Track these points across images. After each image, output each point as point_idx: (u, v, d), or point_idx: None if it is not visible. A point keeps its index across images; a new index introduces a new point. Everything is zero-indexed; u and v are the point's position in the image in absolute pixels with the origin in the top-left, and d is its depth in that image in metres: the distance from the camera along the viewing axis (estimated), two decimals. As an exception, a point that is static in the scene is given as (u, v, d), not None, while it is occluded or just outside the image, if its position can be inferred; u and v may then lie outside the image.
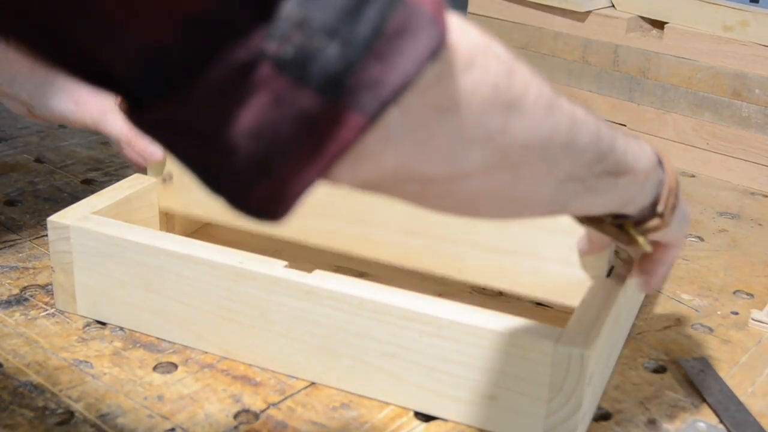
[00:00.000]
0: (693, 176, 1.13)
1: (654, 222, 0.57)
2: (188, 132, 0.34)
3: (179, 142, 0.35)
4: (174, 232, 0.82)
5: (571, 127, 0.45)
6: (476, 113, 0.39)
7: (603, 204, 0.52)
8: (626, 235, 0.59)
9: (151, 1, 0.30)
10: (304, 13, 0.32)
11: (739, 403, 0.67)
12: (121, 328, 0.74)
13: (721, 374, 0.71)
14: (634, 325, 0.78)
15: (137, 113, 0.34)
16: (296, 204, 0.36)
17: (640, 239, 0.59)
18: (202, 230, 0.89)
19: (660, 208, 0.57)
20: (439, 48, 0.35)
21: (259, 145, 0.33)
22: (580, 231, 0.68)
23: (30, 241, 0.88)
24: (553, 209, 0.48)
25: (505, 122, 0.41)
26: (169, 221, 0.85)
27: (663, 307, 0.82)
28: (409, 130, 0.37)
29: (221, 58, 0.32)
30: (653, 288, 0.65)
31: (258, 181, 0.34)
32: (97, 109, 0.79)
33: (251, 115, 0.33)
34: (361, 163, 0.37)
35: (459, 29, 0.38)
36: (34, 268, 0.83)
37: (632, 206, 0.55)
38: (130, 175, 0.84)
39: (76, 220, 0.74)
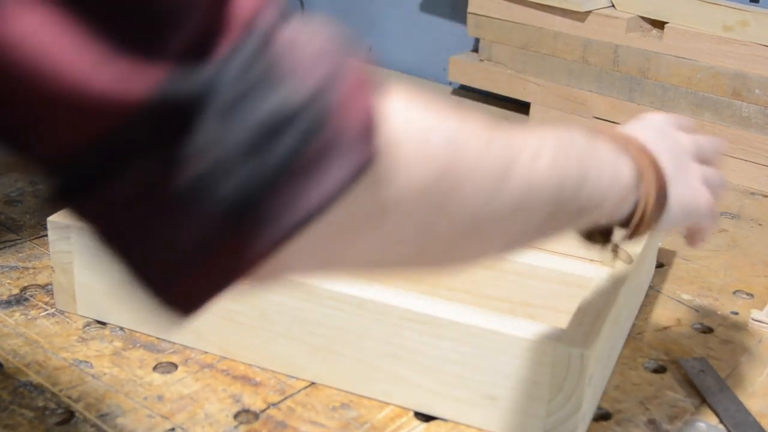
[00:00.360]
0: (693, 176, 1.13)
1: (625, 239, 0.54)
2: (96, 231, 0.34)
3: (91, 232, 0.34)
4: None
5: (524, 194, 0.42)
6: (406, 215, 0.37)
7: (566, 233, 0.50)
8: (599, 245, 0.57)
9: (59, 119, 0.29)
10: (217, 134, 0.31)
11: (739, 403, 0.67)
12: (121, 328, 0.74)
13: (721, 374, 0.71)
14: (634, 325, 0.78)
15: (56, 194, 0.33)
16: (202, 308, 0.35)
17: (612, 254, 0.57)
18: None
19: (628, 232, 0.53)
20: (360, 171, 0.33)
21: (162, 259, 0.33)
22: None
23: (30, 241, 0.88)
24: (507, 254, 0.47)
25: (437, 218, 0.39)
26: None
27: (663, 307, 0.82)
28: (325, 245, 0.36)
29: (125, 176, 0.31)
30: (697, 246, 0.65)
31: (160, 289, 0.34)
32: None
33: (152, 233, 0.32)
34: (274, 273, 0.35)
35: (398, 126, 0.36)
36: (34, 268, 0.83)
37: (604, 220, 0.52)
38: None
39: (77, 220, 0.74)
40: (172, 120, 0.30)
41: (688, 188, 0.56)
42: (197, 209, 0.31)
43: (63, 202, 0.33)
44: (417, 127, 0.37)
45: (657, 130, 0.57)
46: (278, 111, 0.31)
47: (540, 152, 0.43)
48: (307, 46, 0.33)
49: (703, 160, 0.60)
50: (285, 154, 0.31)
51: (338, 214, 0.34)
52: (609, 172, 0.49)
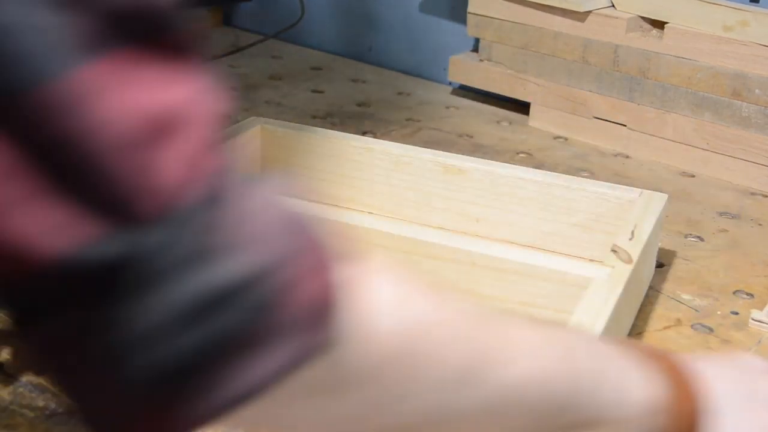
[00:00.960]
0: (693, 176, 1.13)
1: None
2: (42, 363, 0.32)
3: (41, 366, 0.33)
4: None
5: (498, 398, 0.39)
6: (362, 394, 0.35)
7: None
8: None
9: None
10: (148, 302, 0.29)
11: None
12: (121, 328, 0.74)
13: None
14: (634, 325, 0.78)
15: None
16: None
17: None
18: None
19: None
20: (306, 356, 0.31)
21: (94, 409, 0.32)
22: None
23: (30, 241, 0.88)
24: None
25: (397, 401, 0.36)
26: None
27: (663, 307, 0.82)
28: (272, 410, 0.33)
29: (59, 318, 0.30)
30: None
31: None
32: None
33: (83, 382, 0.31)
34: None
35: (362, 303, 0.34)
36: (34, 268, 0.83)
37: None
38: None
39: (76, 220, 0.73)
40: (92, 280, 0.29)
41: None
42: (120, 373, 0.30)
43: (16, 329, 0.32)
44: (386, 305, 0.35)
45: (738, 370, 0.50)
46: (220, 284, 0.29)
47: (525, 356, 0.40)
48: (261, 214, 0.31)
49: None
50: (223, 331, 0.30)
51: (288, 385, 0.32)
52: (627, 374, 0.44)
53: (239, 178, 0.31)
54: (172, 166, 0.29)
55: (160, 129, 0.29)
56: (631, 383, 0.44)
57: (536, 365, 0.40)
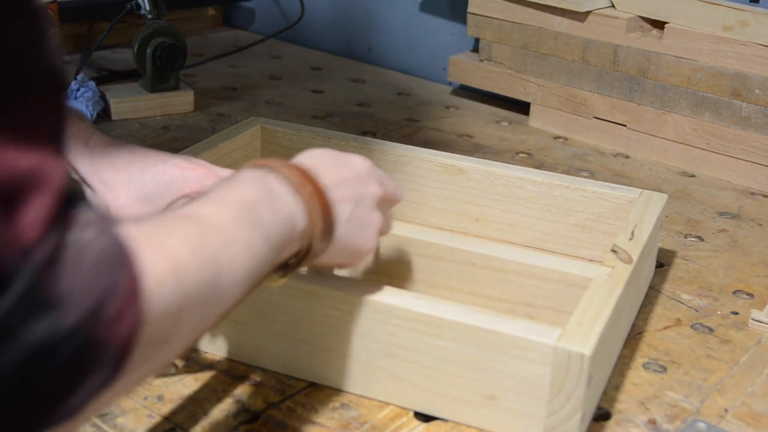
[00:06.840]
0: (693, 176, 1.13)
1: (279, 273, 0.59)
2: None
3: None
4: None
5: (234, 286, 0.49)
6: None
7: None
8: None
9: None
10: None
11: None
12: (121, 328, 0.74)
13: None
14: (634, 325, 0.78)
15: None
16: None
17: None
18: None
19: (284, 270, 0.58)
20: (109, 383, 0.39)
21: None
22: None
23: (30, 241, 0.88)
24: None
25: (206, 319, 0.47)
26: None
27: (663, 307, 0.82)
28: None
29: None
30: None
31: None
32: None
33: None
34: None
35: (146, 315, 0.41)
36: (34, 268, 0.83)
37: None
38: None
39: (76, 220, 0.73)
40: None
41: (358, 236, 0.62)
42: None
43: None
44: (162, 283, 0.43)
45: (355, 176, 0.62)
46: (45, 339, 0.36)
47: (236, 245, 0.49)
48: (83, 257, 0.37)
49: (386, 206, 0.66)
50: (52, 374, 0.36)
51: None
52: (284, 235, 0.55)
53: (76, 219, 0.38)
54: (29, 226, 0.35)
55: (14, 191, 0.35)
56: (293, 220, 0.55)
57: (244, 246, 0.50)
